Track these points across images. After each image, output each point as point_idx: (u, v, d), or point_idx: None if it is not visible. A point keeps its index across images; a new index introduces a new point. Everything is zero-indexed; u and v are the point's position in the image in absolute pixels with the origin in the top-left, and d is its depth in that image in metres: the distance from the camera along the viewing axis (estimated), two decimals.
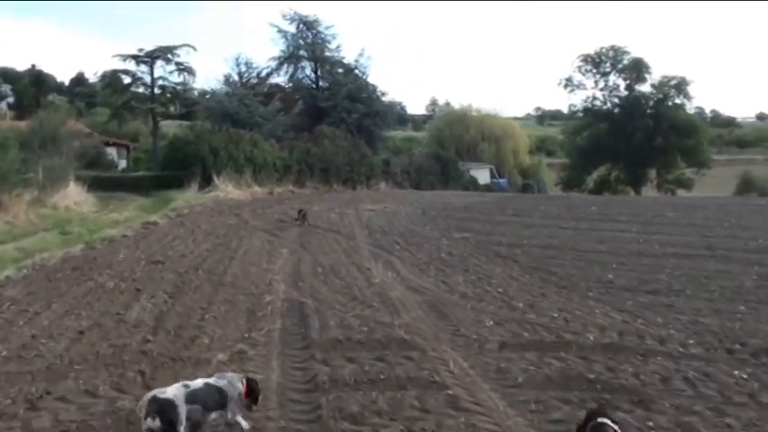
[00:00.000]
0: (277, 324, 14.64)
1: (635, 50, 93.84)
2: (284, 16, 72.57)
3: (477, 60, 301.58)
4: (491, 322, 14.83)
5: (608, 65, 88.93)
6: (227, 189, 47.98)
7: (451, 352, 12.73)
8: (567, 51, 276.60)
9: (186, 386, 8.46)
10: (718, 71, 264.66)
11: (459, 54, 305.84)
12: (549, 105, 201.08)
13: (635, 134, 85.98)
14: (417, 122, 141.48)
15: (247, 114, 61.71)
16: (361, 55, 74.29)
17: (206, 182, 49.00)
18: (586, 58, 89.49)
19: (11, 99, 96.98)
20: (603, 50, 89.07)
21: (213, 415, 8.69)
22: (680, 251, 25.88)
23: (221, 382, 8.85)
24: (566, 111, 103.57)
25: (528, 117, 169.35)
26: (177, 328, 14.02)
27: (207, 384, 8.70)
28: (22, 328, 14.09)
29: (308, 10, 74.01)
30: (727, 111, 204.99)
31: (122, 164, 72.23)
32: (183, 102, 67.48)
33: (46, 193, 37.81)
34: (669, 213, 39.70)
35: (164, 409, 7.98)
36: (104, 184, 49.14)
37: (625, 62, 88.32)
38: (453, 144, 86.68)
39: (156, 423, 7.91)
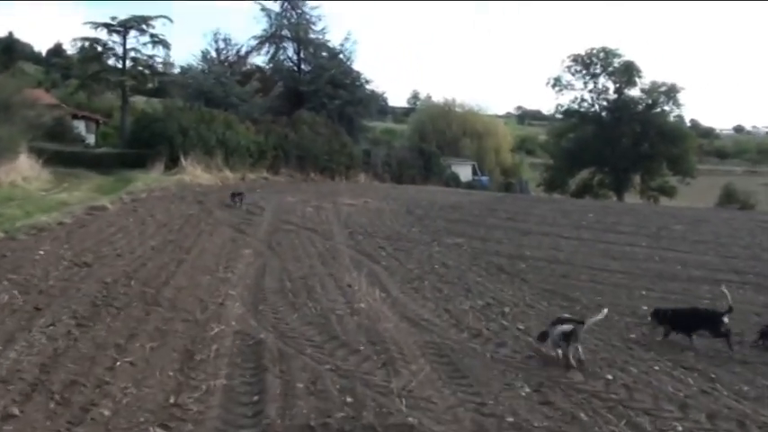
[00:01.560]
0: (221, 378, 9.88)
1: (625, 53, 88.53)
2: None
3: (459, 56, 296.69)
4: (527, 388, 10.16)
5: (598, 66, 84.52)
6: (194, 172, 42.97)
7: None
8: (551, 51, 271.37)
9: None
10: (699, 81, 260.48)
11: (442, 48, 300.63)
12: (530, 105, 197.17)
13: (621, 139, 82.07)
14: (397, 115, 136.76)
15: (223, 93, 56.26)
16: (347, 39, 69.05)
17: (173, 163, 43.99)
18: (576, 59, 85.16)
19: None
20: (594, 51, 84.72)
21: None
22: (706, 275, 21.36)
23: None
24: (549, 111, 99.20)
25: (509, 116, 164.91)
26: (67, 387, 9.08)
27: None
28: None
29: None
30: (705, 121, 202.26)
31: (91, 139, 67.18)
32: (155, 76, 62.04)
33: None
34: (676, 226, 34.96)
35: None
36: (65, 159, 44.49)
37: (616, 65, 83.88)
38: (435, 138, 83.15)
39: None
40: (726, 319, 13.01)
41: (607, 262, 23.05)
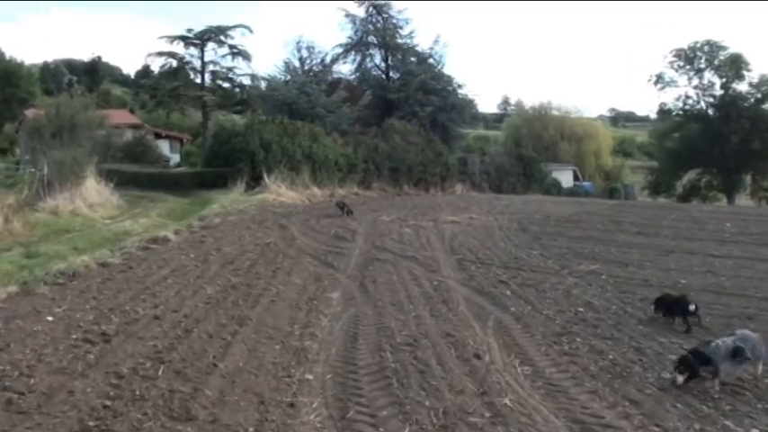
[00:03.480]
0: None
1: (731, 45, 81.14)
2: None
3: (548, 59, 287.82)
4: None
5: (703, 61, 77.30)
6: (278, 190, 38.14)
7: None
8: (643, 50, 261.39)
9: None
10: None
11: (530, 52, 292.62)
12: (623, 106, 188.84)
13: (730, 137, 74.58)
14: (488, 121, 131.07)
15: (308, 104, 51.46)
16: (436, 42, 64.48)
17: (255, 181, 39.46)
18: (679, 54, 78.06)
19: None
20: (698, 45, 77.56)
21: None
22: None
23: None
24: (650, 111, 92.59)
25: (601, 118, 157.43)
26: None
27: None
28: None
29: None
30: None
31: (176, 158, 63.63)
32: (236, 89, 57.78)
33: (53, 193, 28.85)
34: None
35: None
36: (142, 181, 40.44)
37: (721, 58, 76.58)
38: (531, 143, 78.03)
39: None
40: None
41: None
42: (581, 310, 15.05)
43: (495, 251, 22.97)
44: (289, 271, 18.47)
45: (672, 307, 14.20)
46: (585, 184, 73.46)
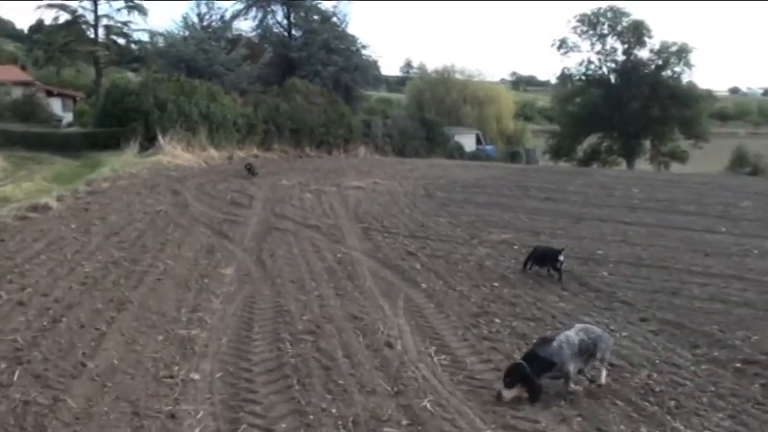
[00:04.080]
0: None
1: (633, 12, 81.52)
2: None
3: (449, 22, 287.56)
4: None
5: (606, 27, 77.59)
6: (173, 152, 35.88)
7: None
8: (546, 13, 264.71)
9: None
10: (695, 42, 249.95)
11: (431, 15, 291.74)
12: (525, 70, 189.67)
13: (631, 102, 75.11)
14: (391, 84, 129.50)
15: (206, 62, 49.07)
16: (340, 0, 62.55)
17: (149, 142, 36.99)
18: (582, 19, 78.27)
19: None
20: (601, 11, 77.87)
21: None
22: None
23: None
24: (554, 74, 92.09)
25: (503, 82, 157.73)
26: None
27: None
28: None
29: None
30: (702, 83, 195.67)
31: (69, 118, 60.31)
32: (131, 45, 54.97)
33: None
34: (743, 203, 28.27)
35: None
36: (31, 141, 37.85)
37: (624, 24, 76.93)
38: (434, 107, 77.24)
39: None
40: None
41: (704, 261, 16.69)
42: (496, 285, 14.08)
43: (402, 219, 21.91)
44: (179, 243, 16.86)
45: (543, 257, 15.03)
46: (488, 147, 73.08)
